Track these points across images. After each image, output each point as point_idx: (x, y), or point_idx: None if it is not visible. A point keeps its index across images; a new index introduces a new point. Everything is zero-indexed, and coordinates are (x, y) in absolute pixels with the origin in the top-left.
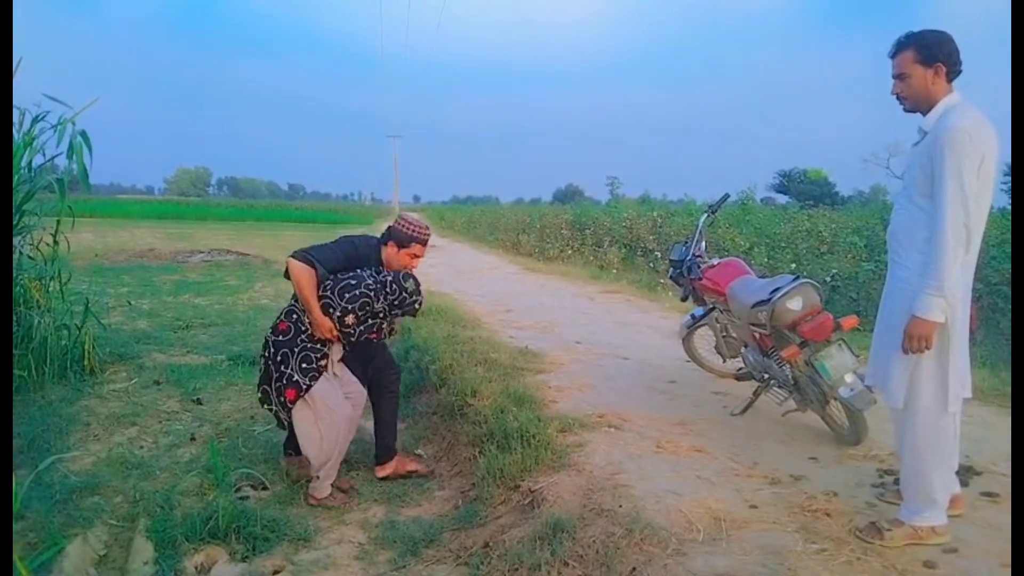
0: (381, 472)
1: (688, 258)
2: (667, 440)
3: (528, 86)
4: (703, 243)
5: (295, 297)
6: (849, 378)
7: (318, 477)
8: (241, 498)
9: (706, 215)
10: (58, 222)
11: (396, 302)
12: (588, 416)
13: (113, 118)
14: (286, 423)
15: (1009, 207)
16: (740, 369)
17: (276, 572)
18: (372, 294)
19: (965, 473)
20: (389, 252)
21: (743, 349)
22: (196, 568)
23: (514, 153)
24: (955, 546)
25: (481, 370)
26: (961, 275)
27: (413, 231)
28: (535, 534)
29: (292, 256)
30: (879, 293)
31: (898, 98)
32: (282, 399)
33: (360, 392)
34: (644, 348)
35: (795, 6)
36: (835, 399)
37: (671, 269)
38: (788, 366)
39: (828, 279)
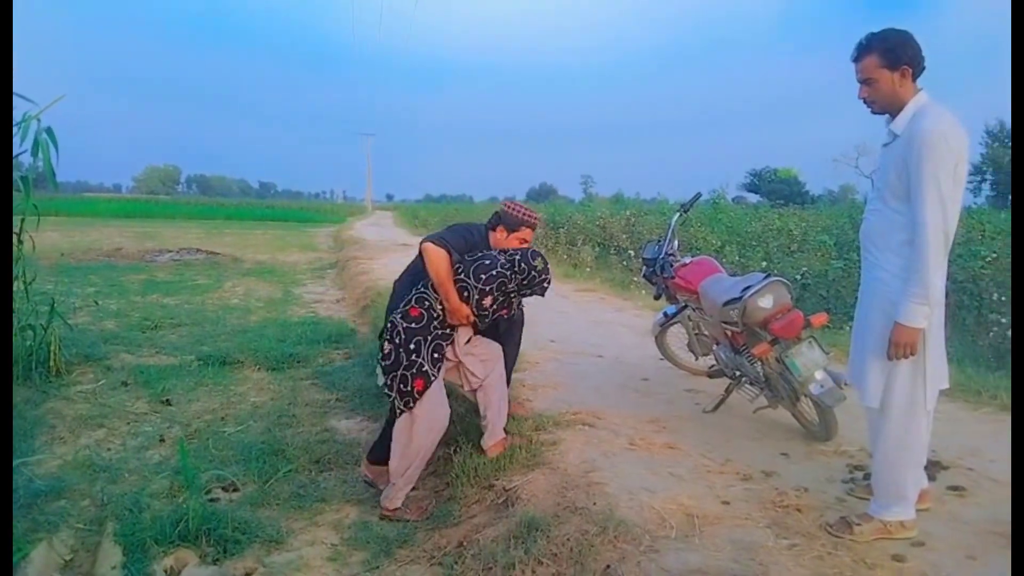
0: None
1: (661, 257)
2: (641, 437)
3: (502, 84)
4: (676, 242)
5: (424, 283)
6: (819, 375)
7: (392, 485)
8: (212, 500)
9: (678, 214)
10: (23, 220)
11: (526, 281)
12: (562, 414)
13: (80, 115)
14: (400, 413)
15: (974, 205)
16: (712, 366)
17: (248, 574)
18: (508, 273)
19: (932, 468)
20: (498, 237)
21: (715, 347)
22: (166, 571)
23: (488, 151)
24: (922, 540)
25: None
26: (944, 276)
27: (523, 215)
28: (509, 533)
29: (428, 241)
30: (849, 291)
31: (865, 102)
32: (407, 388)
33: (497, 356)
34: (618, 346)
35: (768, 12)
36: (805, 396)
37: (644, 268)
38: (759, 363)
39: (798, 277)
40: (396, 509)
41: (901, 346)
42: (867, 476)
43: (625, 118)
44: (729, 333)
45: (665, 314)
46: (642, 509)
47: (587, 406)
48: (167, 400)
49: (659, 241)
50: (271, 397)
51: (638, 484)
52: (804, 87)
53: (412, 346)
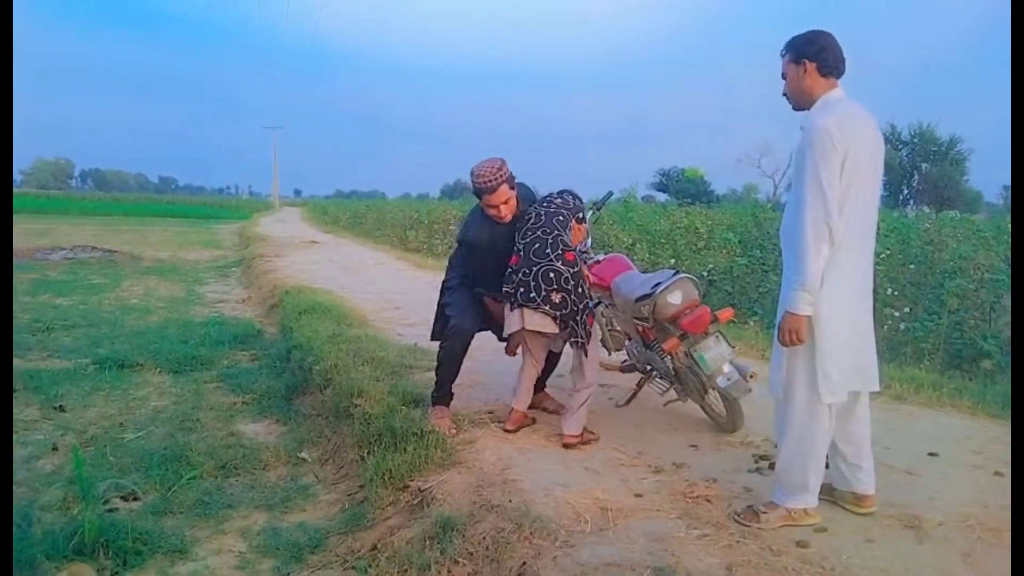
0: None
1: None
2: (556, 434)
3: (414, 78)
4: (589, 239)
5: (561, 230)
6: (726, 368)
7: (575, 414)
8: (110, 510)
9: (591, 212)
10: None
11: (576, 210)
12: (478, 412)
13: None
14: (588, 353)
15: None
16: (625, 361)
17: None
18: (565, 211)
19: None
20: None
21: (627, 342)
22: None
23: (401, 147)
24: (824, 526)
25: (368, 369)
26: (848, 272)
27: (472, 183)
28: (424, 534)
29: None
30: (752, 287)
31: (786, 97)
32: (588, 328)
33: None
34: None
35: (679, 23)
36: (713, 388)
37: None
38: (669, 358)
39: (705, 274)
40: (579, 435)
41: (785, 331)
42: (772, 465)
43: (540, 121)
44: (640, 328)
45: None
46: (557, 504)
47: (503, 404)
48: (60, 406)
49: None
50: (173, 401)
51: (553, 479)
52: (711, 88)
53: (580, 289)
